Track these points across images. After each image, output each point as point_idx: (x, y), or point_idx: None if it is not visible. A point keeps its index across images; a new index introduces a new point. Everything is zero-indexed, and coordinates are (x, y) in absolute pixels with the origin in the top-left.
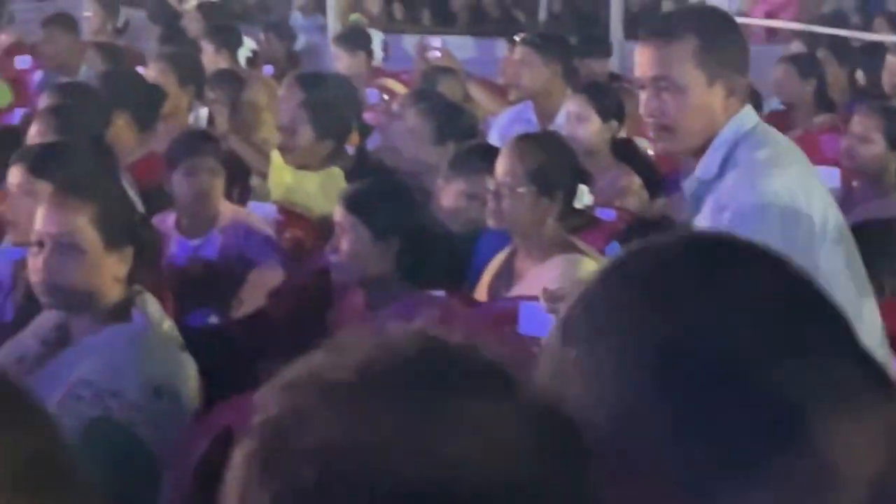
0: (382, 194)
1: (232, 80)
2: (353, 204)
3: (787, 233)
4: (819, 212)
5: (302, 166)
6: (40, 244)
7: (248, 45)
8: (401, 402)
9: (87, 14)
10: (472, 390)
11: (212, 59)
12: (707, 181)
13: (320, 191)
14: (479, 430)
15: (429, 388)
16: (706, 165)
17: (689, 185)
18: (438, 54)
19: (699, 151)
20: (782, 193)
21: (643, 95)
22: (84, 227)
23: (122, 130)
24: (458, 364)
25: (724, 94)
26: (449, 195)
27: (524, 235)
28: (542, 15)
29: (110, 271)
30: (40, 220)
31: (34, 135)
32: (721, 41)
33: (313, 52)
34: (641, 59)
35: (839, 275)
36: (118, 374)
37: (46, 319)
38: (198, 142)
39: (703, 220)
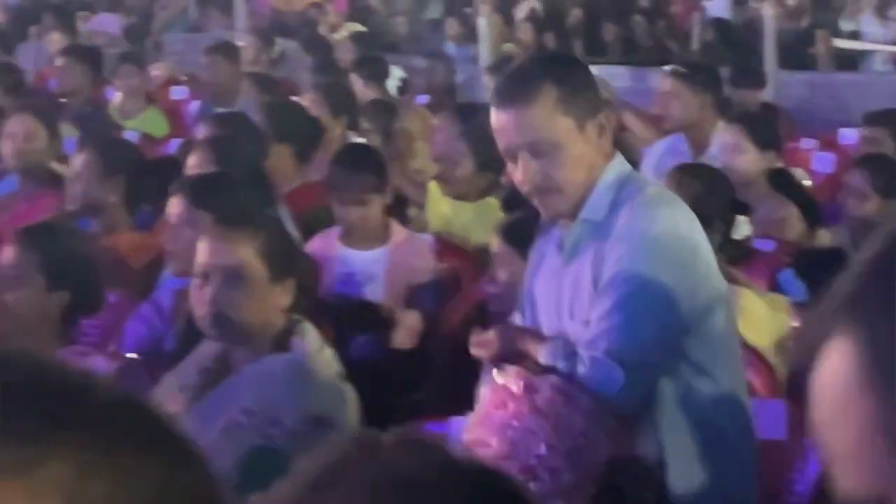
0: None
1: (384, 110)
2: (510, 235)
3: (686, 262)
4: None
5: (459, 197)
6: (205, 276)
7: (396, 75)
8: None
9: (241, 45)
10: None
11: (361, 90)
12: (595, 222)
13: (477, 221)
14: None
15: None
16: (594, 207)
17: (573, 230)
18: None
19: (581, 198)
20: (682, 224)
21: (513, 164)
22: (250, 258)
23: (281, 161)
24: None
25: (596, 133)
26: None
27: None
28: (695, 44)
29: (274, 302)
30: (205, 251)
31: (193, 165)
32: (577, 83)
33: (465, 83)
34: (507, 128)
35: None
36: (278, 402)
37: (207, 349)
38: (363, 154)
39: (583, 266)
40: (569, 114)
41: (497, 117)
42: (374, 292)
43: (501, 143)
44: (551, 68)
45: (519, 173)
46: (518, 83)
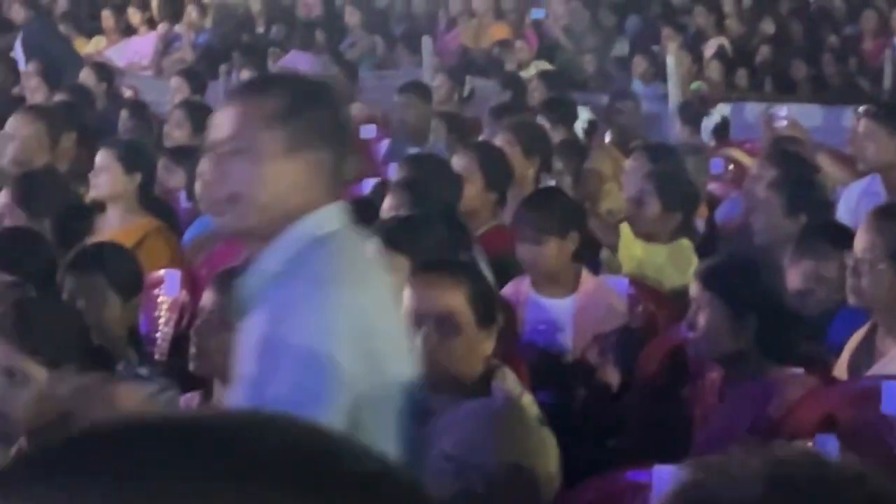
0: (739, 269)
1: (574, 151)
2: (710, 279)
3: (358, 347)
4: (389, 335)
5: (649, 238)
6: (415, 323)
7: (583, 118)
8: None
9: (433, 83)
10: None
11: (550, 131)
12: (270, 275)
13: (669, 263)
14: None
15: None
16: (272, 258)
17: (251, 280)
18: (785, 123)
19: (265, 236)
20: (353, 308)
21: (209, 164)
22: (461, 305)
23: (483, 205)
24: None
25: (307, 168)
26: (795, 277)
27: (885, 312)
28: (887, 83)
29: (481, 348)
30: (413, 298)
31: (389, 207)
32: (312, 106)
33: (654, 121)
34: (218, 121)
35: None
36: (479, 447)
37: None
38: (545, 194)
39: (259, 323)
40: (286, 129)
41: (218, 111)
42: (564, 341)
43: (208, 137)
44: (292, 81)
45: (206, 174)
46: (250, 83)
